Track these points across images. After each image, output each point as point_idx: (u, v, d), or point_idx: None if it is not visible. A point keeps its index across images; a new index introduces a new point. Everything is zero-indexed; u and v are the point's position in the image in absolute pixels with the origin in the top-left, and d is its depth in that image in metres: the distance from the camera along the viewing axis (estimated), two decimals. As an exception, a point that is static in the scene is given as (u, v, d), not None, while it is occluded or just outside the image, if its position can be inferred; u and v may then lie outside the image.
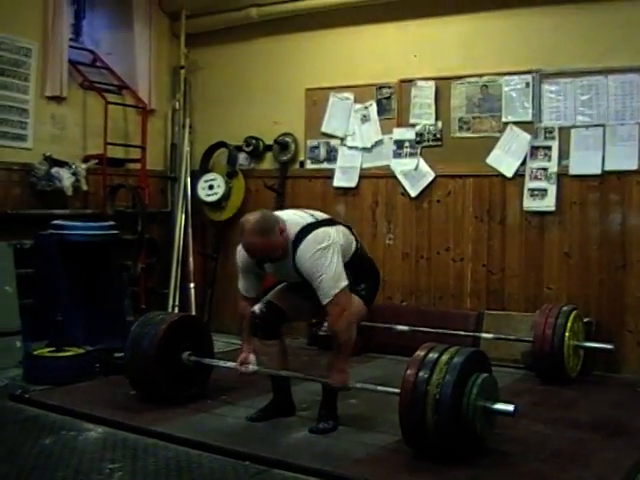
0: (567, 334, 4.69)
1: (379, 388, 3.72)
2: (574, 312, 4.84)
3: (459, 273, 5.70)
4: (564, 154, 5.28)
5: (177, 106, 6.85)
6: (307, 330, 5.82)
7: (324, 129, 6.23)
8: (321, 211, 3.97)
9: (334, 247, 3.59)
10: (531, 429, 3.78)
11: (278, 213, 3.81)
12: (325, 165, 6.25)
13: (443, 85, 5.71)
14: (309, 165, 6.36)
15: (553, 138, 5.31)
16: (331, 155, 6.22)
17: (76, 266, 5.41)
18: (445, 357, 3.31)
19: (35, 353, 4.77)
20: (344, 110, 6.14)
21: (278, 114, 6.45)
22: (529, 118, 5.40)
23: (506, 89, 5.48)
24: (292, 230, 3.64)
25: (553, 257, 5.36)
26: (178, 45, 6.80)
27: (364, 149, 6.05)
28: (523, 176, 5.40)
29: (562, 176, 5.28)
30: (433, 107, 5.74)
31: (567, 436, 3.71)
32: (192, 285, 6.55)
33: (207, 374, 4.38)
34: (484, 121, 5.58)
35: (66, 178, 5.61)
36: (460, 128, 5.67)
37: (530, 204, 5.39)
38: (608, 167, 5.12)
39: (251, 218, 3.62)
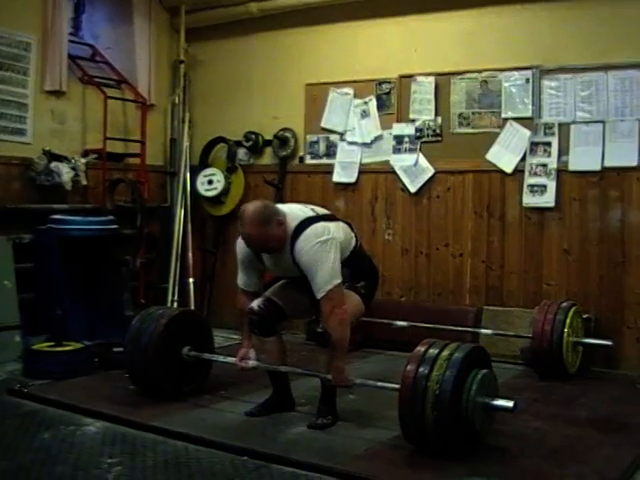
0: (566, 330, 4.69)
1: (379, 384, 3.72)
2: (573, 308, 4.83)
3: (458, 269, 5.69)
4: (564, 150, 5.27)
5: (176, 101, 6.84)
6: (306, 326, 5.82)
7: (324, 124, 6.21)
8: (321, 207, 3.97)
9: (332, 242, 3.57)
10: (530, 425, 3.78)
11: (279, 206, 3.80)
12: (325, 160, 6.24)
13: (443, 81, 5.70)
14: (309, 160, 6.35)
15: (553, 134, 5.31)
16: (331, 150, 6.21)
17: (75, 261, 5.42)
18: (445, 353, 3.30)
19: (34, 348, 4.78)
20: (344, 105, 6.13)
21: (278, 109, 6.45)
22: (529, 114, 5.40)
23: (506, 85, 5.48)
24: (292, 223, 3.63)
25: (552, 253, 5.35)
26: (178, 40, 6.79)
27: (364, 144, 6.04)
28: (523, 172, 5.40)
29: (562, 172, 5.27)
30: (433, 103, 5.73)
31: (566, 432, 3.71)
32: (191, 280, 6.53)
33: (207, 369, 4.37)
34: (484, 117, 5.58)
35: (65, 173, 5.60)
36: (460, 124, 5.66)
37: (529, 200, 5.38)
38: (608, 163, 5.11)
39: (250, 207, 3.61)
